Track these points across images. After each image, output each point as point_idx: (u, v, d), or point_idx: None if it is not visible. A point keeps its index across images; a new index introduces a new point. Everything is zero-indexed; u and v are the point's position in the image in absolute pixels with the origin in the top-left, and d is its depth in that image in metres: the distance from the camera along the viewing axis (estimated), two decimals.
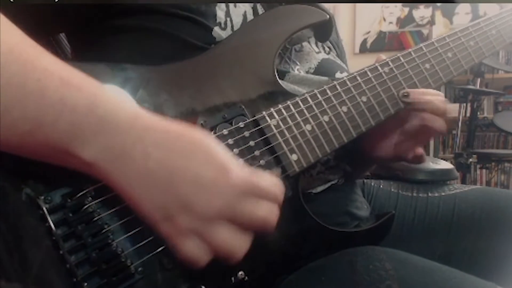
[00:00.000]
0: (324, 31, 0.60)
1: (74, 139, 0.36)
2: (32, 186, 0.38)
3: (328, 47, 0.68)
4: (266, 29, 0.54)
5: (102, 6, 0.51)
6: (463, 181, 2.87)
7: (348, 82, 0.54)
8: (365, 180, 0.81)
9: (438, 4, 3.45)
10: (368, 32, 3.62)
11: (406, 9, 3.57)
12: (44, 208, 0.38)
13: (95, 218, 0.40)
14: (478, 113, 3.06)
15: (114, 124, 0.37)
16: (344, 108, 0.53)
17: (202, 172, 0.38)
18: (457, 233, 0.67)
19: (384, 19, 3.62)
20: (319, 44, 0.67)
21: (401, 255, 0.49)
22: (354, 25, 3.62)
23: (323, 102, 0.52)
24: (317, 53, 0.65)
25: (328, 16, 0.57)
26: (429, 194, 0.73)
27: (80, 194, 0.39)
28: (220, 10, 0.54)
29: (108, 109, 0.37)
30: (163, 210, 0.37)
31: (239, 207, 0.38)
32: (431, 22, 3.49)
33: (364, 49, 3.62)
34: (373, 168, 0.81)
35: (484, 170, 3.49)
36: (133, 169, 0.37)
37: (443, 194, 0.73)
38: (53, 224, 0.38)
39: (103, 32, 0.53)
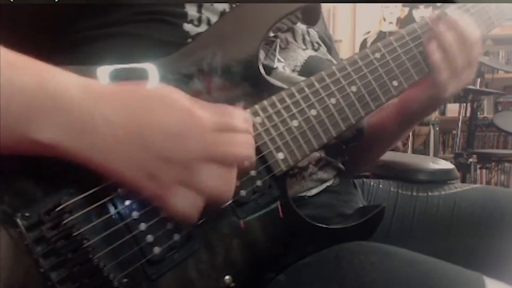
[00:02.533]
0: (311, 14, 0.58)
1: (30, 123, 0.35)
2: (8, 203, 0.37)
3: (317, 43, 0.67)
4: (248, 19, 0.51)
5: (67, 19, 0.51)
6: (463, 181, 2.88)
7: (337, 72, 0.52)
8: (364, 180, 0.80)
9: (438, 4, 3.45)
10: (368, 32, 3.62)
11: (406, 9, 3.57)
12: (22, 226, 0.37)
13: (75, 233, 0.38)
14: (478, 113, 3.06)
15: (66, 100, 0.36)
16: (333, 100, 0.51)
17: (167, 122, 0.37)
18: (457, 232, 0.66)
19: (384, 19, 3.62)
20: (307, 40, 0.65)
21: (387, 248, 0.48)
22: (354, 25, 3.61)
23: (310, 95, 0.50)
24: (304, 50, 0.63)
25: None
26: (429, 193, 0.73)
27: (58, 209, 0.38)
28: (191, 9, 0.53)
29: (57, 86, 0.36)
30: (144, 169, 0.37)
31: (215, 145, 0.39)
32: None
33: (364, 49, 3.62)
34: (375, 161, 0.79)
35: (484, 170, 3.49)
36: (100, 140, 0.36)
37: (443, 193, 0.72)
38: (32, 241, 0.37)
39: (70, 44, 0.52)
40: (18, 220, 0.37)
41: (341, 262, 0.46)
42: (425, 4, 3.48)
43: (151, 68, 0.46)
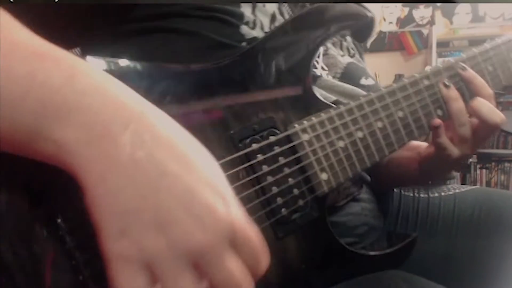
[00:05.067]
0: (364, 31, 0.56)
1: (44, 118, 0.29)
2: (49, 203, 0.34)
3: (352, 49, 0.67)
4: (303, 31, 0.50)
5: (123, 11, 0.49)
6: (463, 181, 2.88)
7: (386, 96, 0.51)
8: None
9: (438, 4, 3.45)
10: None
11: (406, 9, 3.57)
12: (64, 229, 0.34)
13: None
14: None
15: (98, 100, 0.29)
16: (380, 124, 0.50)
17: (201, 192, 0.29)
18: (457, 233, 0.67)
19: (384, 19, 3.62)
20: (344, 46, 0.65)
21: (421, 283, 0.47)
22: None
23: (359, 118, 0.49)
24: (342, 56, 0.63)
25: (370, 15, 0.53)
26: (430, 195, 0.73)
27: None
28: (247, 10, 0.52)
29: (91, 83, 0.30)
30: (126, 219, 0.28)
31: (224, 257, 0.30)
32: (431, 22, 3.49)
33: (364, 49, 3.62)
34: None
35: (484, 170, 3.49)
36: (114, 155, 0.28)
37: (442, 194, 0.73)
38: (74, 246, 0.34)
39: (125, 35, 0.50)
40: (60, 222, 0.34)
41: None
42: (425, 4, 3.48)
43: (200, 72, 0.45)
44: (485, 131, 0.55)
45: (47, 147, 0.30)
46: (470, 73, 0.56)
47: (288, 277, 0.46)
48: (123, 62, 0.41)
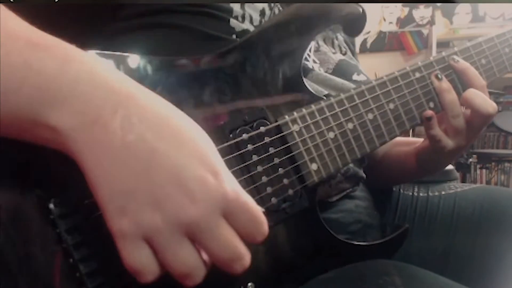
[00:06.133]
0: (355, 25, 0.56)
1: (41, 105, 0.31)
2: (43, 187, 0.35)
3: (344, 47, 0.68)
4: (295, 25, 0.51)
5: (111, 8, 0.50)
6: (463, 181, 2.88)
7: (377, 88, 0.52)
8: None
9: (438, 4, 3.45)
10: (368, 32, 3.62)
11: (406, 9, 3.57)
12: (55, 213, 0.35)
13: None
14: None
15: (90, 86, 0.31)
16: (370, 116, 0.51)
17: (190, 166, 0.31)
18: (457, 231, 0.67)
19: (384, 19, 3.62)
20: (336, 43, 0.66)
21: (411, 269, 0.48)
22: None
23: (349, 109, 0.50)
24: (334, 53, 0.64)
25: (360, 10, 0.54)
26: (430, 193, 0.73)
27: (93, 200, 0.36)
28: (235, 5, 0.53)
29: (83, 70, 0.32)
30: (124, 199, 0.30)
31: (217, 226, 0.31)
32: (431, 22, 3.49)
33: (364, 49, 3.62)
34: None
35: (484, 170, 3.49)
36: (106, 140, 0.30)
37: (443, 193, 0.73)
38: (64, 230, 0.35)
39: (115, 32, 0.51)
40: (52, 206, 0.35)
41: (365, 281, 0.45)
42: (425, 4, 3.48)
43: (191, 63, 0.46)
44: (478, 121, 0.56)
45: (45, 133, 0.32)
46: (463, 63, 0.56)
47: (277, 265, 0.46)
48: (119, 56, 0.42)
